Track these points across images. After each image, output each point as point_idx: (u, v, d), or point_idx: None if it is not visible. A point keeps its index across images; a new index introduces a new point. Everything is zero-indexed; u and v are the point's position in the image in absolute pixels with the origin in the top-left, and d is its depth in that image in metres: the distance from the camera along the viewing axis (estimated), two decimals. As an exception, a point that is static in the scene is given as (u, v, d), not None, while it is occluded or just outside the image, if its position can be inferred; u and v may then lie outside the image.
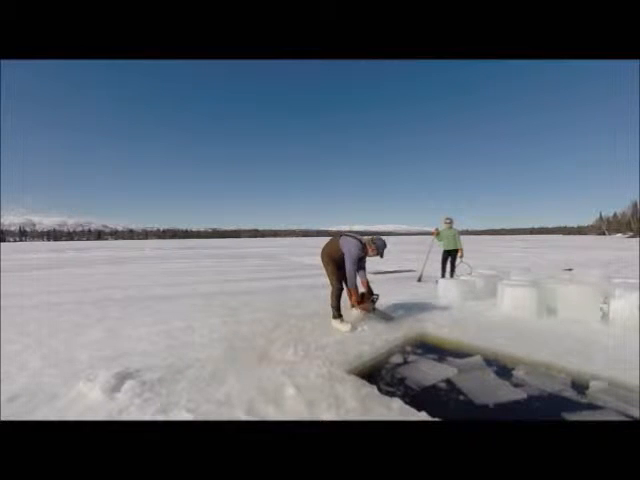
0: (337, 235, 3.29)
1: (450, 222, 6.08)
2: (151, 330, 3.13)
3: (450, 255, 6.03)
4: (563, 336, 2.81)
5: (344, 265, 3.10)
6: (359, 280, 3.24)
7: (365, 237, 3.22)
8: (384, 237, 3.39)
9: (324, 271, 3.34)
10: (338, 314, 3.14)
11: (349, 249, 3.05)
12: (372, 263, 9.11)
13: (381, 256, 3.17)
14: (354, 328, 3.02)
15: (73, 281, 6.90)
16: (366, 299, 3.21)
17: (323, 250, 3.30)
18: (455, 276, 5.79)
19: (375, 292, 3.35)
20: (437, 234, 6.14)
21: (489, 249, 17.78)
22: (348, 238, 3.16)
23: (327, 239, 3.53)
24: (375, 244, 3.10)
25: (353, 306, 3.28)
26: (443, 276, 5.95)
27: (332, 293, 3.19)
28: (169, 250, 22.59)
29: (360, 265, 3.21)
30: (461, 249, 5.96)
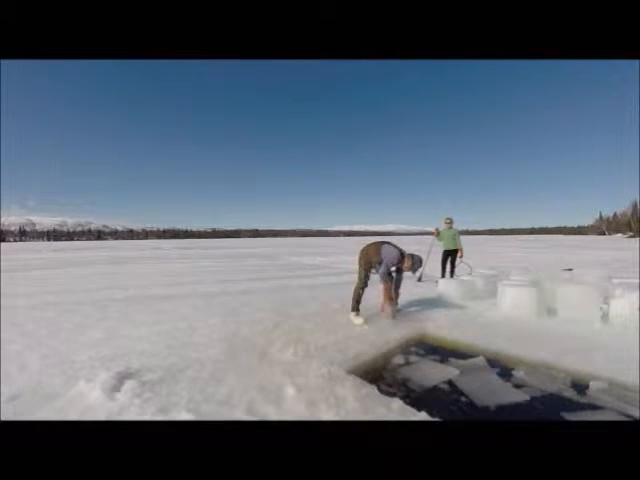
0: (380, 242, 3.54)
1: (450, 222, 6.09)
2: (151, 330, 3.13)
3: (450, 255, 6.04)
4: (563, 336, 2.80)
5: (377, 268, 3.37)
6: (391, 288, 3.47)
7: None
8: (384, 237, 3.51)
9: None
10: (356, 308, 3.39)
11: (387, 257, 3.31)
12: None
13: (414, 272, 3.44)
14: (361, 326, 3.18)
15: (73, 281, 6.90)
16: (392, 304, 3.41)
17: (363, 250, 3.54)
18: (455, 276, 5.80)
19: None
20: (437, 234, 6.15)
21: (489, 249, 17.77)
22: (390, 247, 3.39)
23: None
24: (412, 259, 3.32)
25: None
26: (443, 276, 5.95)
27: (356, 288, 3.44)
28: (169, 250, 22.58)
29: (397, 276, 3.52)
30: (461, 249, 5.96)
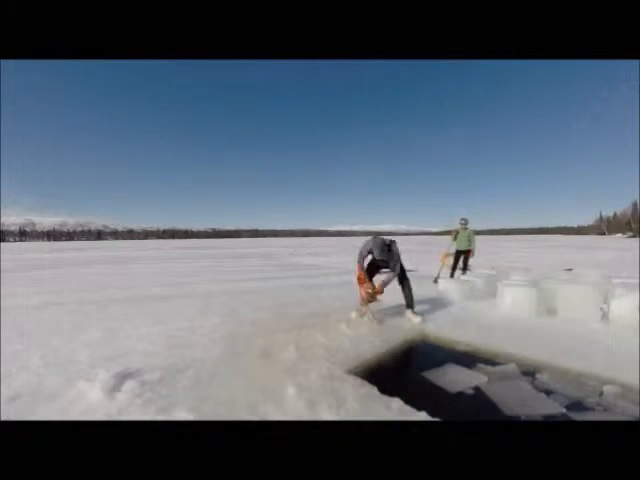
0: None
1: (465, 223, 6.22)
2: (151, 330, 3.13)
3: (463, 255, 6.17)
4: (563, 336, 2.81)
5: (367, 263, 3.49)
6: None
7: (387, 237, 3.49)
8: (383, 237, 3.55)
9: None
10: (361, 305, 3.51)
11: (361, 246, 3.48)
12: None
13: (378, 256, 3.34)
14: (359, 318, 3.35)
15: (73, 281, 6.90)
16: (366, 290, 3.36)
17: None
18: (455, 276, 5.82)
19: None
20: (455, 236, 6.23)
21: (489, 249, 17.77)
22: (369, 239, 3.47)
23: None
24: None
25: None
26: (452, 276, 6.00)
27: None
28: (169, 250, 22.58)
29: (378, 264, 3.47)
30: (472, 250, 6.09)
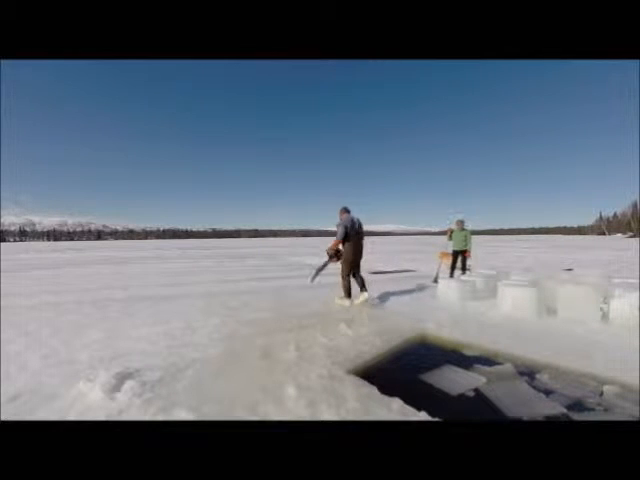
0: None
1: (462, 223, 6.21)
2: (151, 330, 3.13)
3: (460, 255, 6.17)
4: (563, 336, 2.81)
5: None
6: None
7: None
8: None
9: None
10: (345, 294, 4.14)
11: None
12: (368, 263, 9.08)
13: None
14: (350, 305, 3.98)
15: (73, 281, 6.89)
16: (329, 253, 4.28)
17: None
18: (455, 276, 5.83)
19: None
20: (450, 235, 6.26)
21: (489, 249, 17.77)
22: None
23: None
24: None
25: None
26: (451, 276, 6.01)
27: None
28: (169, 250, 22.58)
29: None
30: (469, 250, 6.06)
